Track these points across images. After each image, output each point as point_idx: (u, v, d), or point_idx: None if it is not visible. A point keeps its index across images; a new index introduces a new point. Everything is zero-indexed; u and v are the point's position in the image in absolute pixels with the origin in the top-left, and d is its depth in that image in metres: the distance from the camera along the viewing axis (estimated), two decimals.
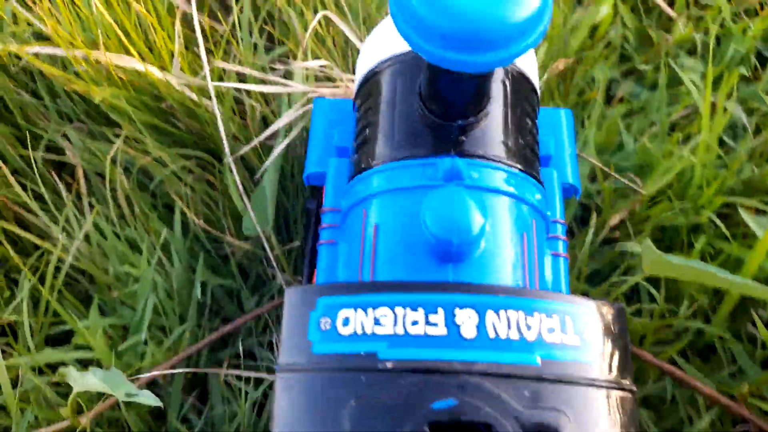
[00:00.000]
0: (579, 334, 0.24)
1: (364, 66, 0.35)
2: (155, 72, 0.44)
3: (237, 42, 0.51)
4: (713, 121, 0.48)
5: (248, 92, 0.47)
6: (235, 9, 0.51)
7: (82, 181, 0.47)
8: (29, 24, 0.44)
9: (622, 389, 0.24)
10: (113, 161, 0.46)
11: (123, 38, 0.43)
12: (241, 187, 0.45)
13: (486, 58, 0.24)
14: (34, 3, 0.44)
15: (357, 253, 0.30)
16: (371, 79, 0.34)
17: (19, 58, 0.47)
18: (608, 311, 0.26)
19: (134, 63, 0.43)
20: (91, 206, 0.47)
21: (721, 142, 0.54)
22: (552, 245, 0.31)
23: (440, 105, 0.30)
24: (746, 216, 0.42)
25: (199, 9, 0.54)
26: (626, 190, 0.49)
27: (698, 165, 0.46)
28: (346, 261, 0.31)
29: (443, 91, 0.29)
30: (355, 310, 0.24)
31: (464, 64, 0.24)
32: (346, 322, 0.24)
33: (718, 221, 0.45)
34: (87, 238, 0.45)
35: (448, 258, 0.27)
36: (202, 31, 0.47)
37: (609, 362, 0.24)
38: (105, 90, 0.41)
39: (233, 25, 0.52)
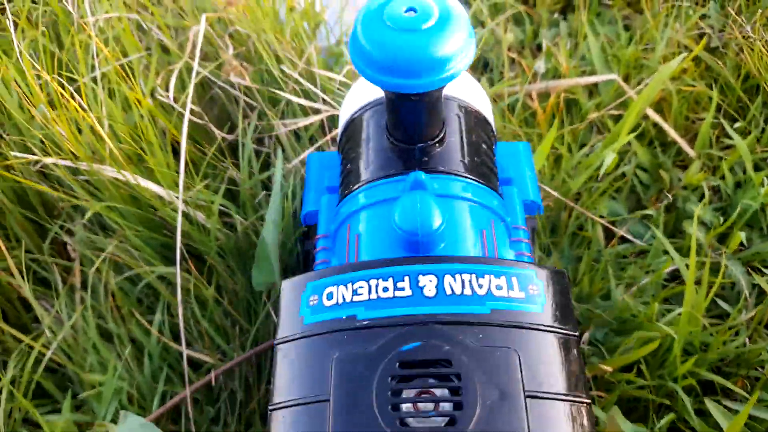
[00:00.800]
0: (524, 290, 0.30)
1: (343, 117, 0.43)
2: (152, 187, 0.47)
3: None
4: (699, 292, 0.46)
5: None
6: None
7: (77, 275, 0.51)
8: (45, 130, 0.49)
9: (564, 333, 0.29)
10: (104, 260, 0.49)
11: (121, 154, 0.47)
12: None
13: (416, 83, 0.31)
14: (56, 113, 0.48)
15: (343, 260, 0.36)
16: (350, 125, 0.42)
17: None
18: (549, 274, 0.31)
19: (130, 178, 0.46)
20: (82, 300, 0.51)
21: (720, 297, 0.52)
22: (515, 246, 0.37)
23: (402, 132, 0.37)
24: (711, 406, 0.40)
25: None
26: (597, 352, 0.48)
27: (678, 338, 0.44)
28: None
29: (401, 118, 0.36)
30: (337, 286, 0.30)
31: (402, 87, 0.32)
32: (330, 296, 0.30)
33: (686, 400, 0.43)
34: (74, 328, 0.48)
35: (416, 249, 0.32)
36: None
37: (552, 312, 0.30)
38: (96, 204, 0.45)
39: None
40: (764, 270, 0.52)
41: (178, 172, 0.47)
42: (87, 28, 0.50)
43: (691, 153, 0.60)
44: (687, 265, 0.48)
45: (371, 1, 0.33)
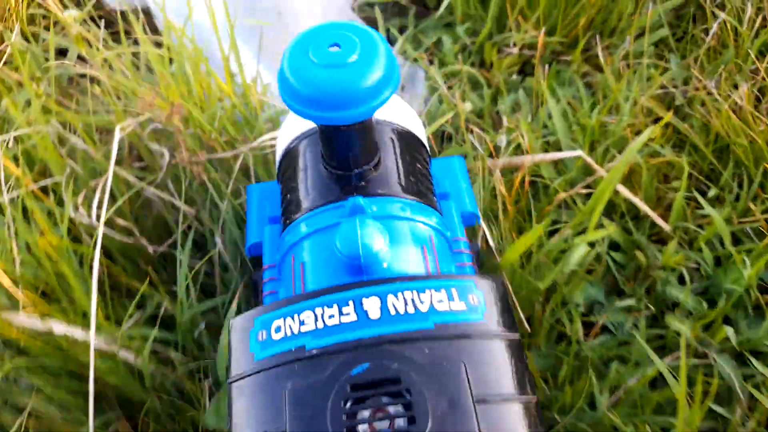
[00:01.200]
0: (464, 300, 0.31)
1: (280, 148, 0.44)
2: (73, 333, 0.41)
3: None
4: (691, 410, 0.42)
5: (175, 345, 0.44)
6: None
7: None
8: None
9: (506, 337, 0.30)
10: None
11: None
12: None
13: (347, 114, 0.32)
14: None
15: (290, 289, 0.36)
16: (286, 156, 0.43)
17: None
18: (488, 282, 0.32)
19: (50, 325, 0.41)
20: None
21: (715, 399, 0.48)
22: (457, 258, 0.39)
23: (336, 160, 0.37)
24: None
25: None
26: None
27: None
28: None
29: (335, 147, 0.37)
30: (284, 318, 0.31)
31: (333, 119, 0.33)
32: (278, 329, 0.31)
33: None
34: None
35: (359, 272, 0.33)
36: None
37: (493, 319, 0.31)
38: (7, 363, 0.39)
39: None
40: (754, 360, 0.49)
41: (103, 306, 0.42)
42: None
43: (666, 227, 0.57)
44: (673, 374, 0.44)
45: (296, 37, 0.34)
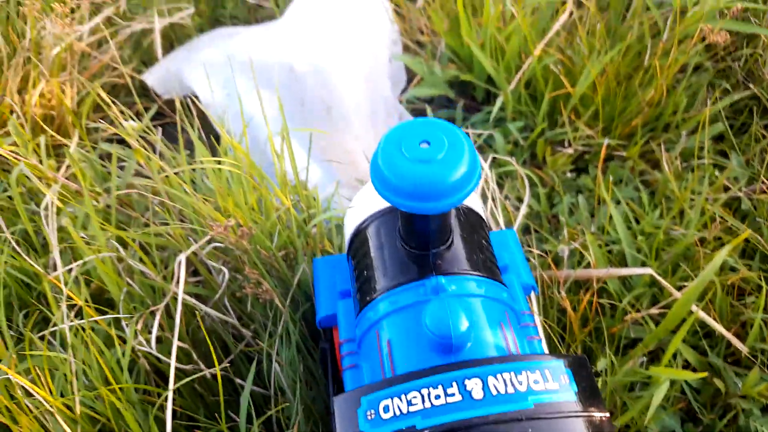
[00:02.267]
0: (557, 380, 0.32)
1: (351, 226, 0.46)
2: None
3: None
4: None
5: None
6: None
7: None
8: None
9: (598, 414, 0.32)
10: None
11: None
12: None
13: (434, 206, 0.35)
14: None
15: (378, 365, 0.37)
16: (359, 234, 0.45)
17: None
18: (573, 361, 0.34)
19: None
20: None
21: None
22: (526, 331, 0.40)
23: (416, 241, 0.40)
24: None
25: None
26: None
27: None
28: (370, 375, 0.38)
29: (416, 229, 0.40)
30: (392, 398, 0.32)
31: (421, 209, 0.35)
32: (386, 409, 0.32)
33: None
34: None
35: (449, 351, 0.35)
36: None
37: (584, 398, 0.32)
38: None
39: None
40: None
41: None
42: (58, 282, 0.44)
43: (744, 350, 0.53)
44: None
45: (388, 133, 0.37)
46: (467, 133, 0.78)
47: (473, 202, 0.46)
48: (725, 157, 0.72)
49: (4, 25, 0.81)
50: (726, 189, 0.67)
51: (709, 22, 0.71)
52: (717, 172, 0.68)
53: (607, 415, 0.32)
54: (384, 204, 0.43)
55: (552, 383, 0.32)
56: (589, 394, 0.33)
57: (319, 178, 0.77)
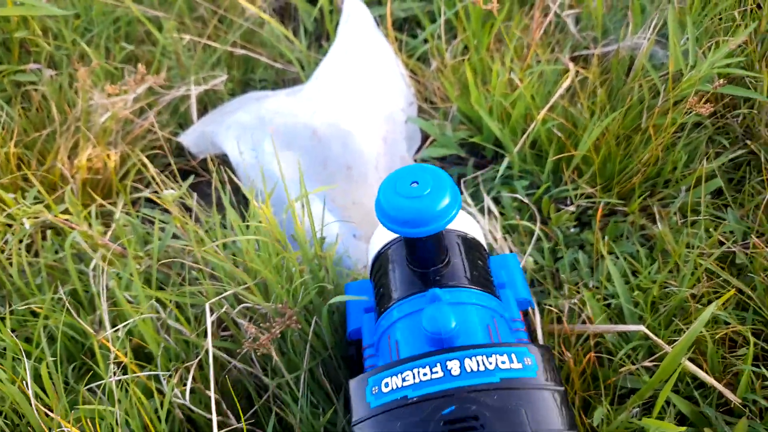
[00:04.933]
0: (521, 361, 0.42)
1: (372, 252, 0.58)
2: None
3: None
4: None
5: None
6: None
7: None
8: None
9: (553, 389, 0.42)
10: None
11: None
12: None
13: (424, 230, 0.46)
14: None
15: (388, 360, 0.48)
16: (378, 259, 0.57)
17: None
18: (538, 349, 0.44)
19: None
20: None
21: None
22: (515, 334, 0.51)
23: (419, 261, 0.51)
24: None
25: None
26: None
27: None
28: None
29: (417, 252, 0.51)
30: (391, 377, 0.43)
31: (414, 234, 0.46)
32: (386, 385, 0.43)
33: None
34: None
35: (440, 344, 0.44)
36: None
37: (543, 375, 0.42)
38: None
39: None
40: None
41: None
42: (108, 344, 0.50)
43: (736, 401, 0.57)
44: None
45: (387, 177, 0.48)
46: (478, 187, 0.83)
47: (474, 229, 0.57)
48: (724, 209, 0.76)
49: (57, 95, 0.90)
50: (721, 243, 0.71)
51: (704, 87, 0.76)
52: (713, 228, 0.72)
53: (563, 388, 0.42)
54: (395, 235, 0.54)
55: (516, 363, 0.42)
56: (547, 372, 0.42)
57: (338, 233, 0.83)
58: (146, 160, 0.71)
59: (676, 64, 0.81)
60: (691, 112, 0.75)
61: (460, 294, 0.49)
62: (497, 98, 0.80)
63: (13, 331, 0.58)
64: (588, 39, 1.00)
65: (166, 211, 0.70)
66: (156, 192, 0.71)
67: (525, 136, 0.78)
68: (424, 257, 0.51)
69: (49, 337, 0.58)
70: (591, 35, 1.00)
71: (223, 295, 0.53)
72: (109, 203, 0.83)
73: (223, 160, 0.91)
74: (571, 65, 0.82)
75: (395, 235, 0.55)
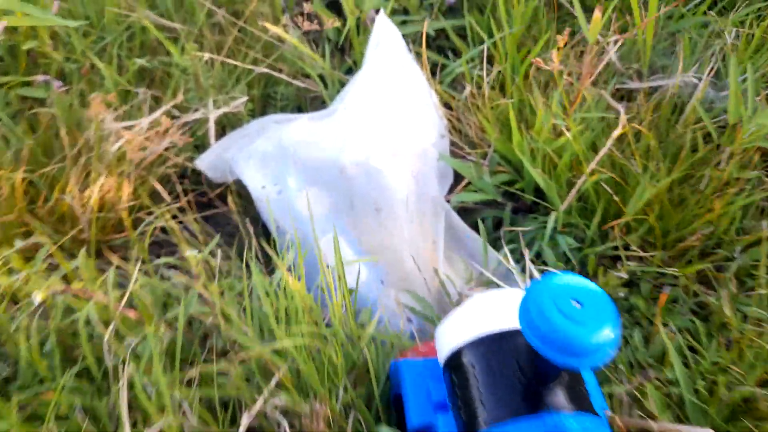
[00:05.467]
0: None
1: (450, 341, 0.45)
2: None
3: None
4: None
5: None
6: None
7: None
8: None
9: None
10: None
11: None
12: None
13: (584, 361, 0.36)
14: None
15: None
16: (460, 355, 0.44)
17: None
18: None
19: None
20: None
21: None
22: None
23: (537, 378, 0.41)
24: None
25: None
26: None
27: None
28: None
29: (549, 372, 0.40)
30: None
31: (571, 364, 0.36)
32: None
33: None
34: None
35: None
36: None
37: None
38: None
39: None
40: None
41: None
42: None
43: None
44: None
45: (537, 281, 0.38)
46: (517, 239, 0.78)
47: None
48: None
49: (67, 114, 0.84)
50: None
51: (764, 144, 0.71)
52: None
53: None
54: (492, 327, 0.44)
55: None
56: None
57: (365, 279, 0.78)
58: (161, 189, 0.65)
59: (736, 113, 0.75)
60: (754, 168, 0.70)
61: (584, 420, 0.40)
62: (541, 145, 0.75)
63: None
64: (631, 71, 0.94)
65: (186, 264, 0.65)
66: (175, 250, 0.65)
67: (574, 191, 0.72)
68: (552, 376, 0.41)
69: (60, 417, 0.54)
70: (634, 67, 0.94)
71: (258, 402, 0.48)
72: (123, 237, 0.78)
73: (241, 185, 0.86)
74: (621, 110, 0.76)
75: (488, 329, 0.44)
